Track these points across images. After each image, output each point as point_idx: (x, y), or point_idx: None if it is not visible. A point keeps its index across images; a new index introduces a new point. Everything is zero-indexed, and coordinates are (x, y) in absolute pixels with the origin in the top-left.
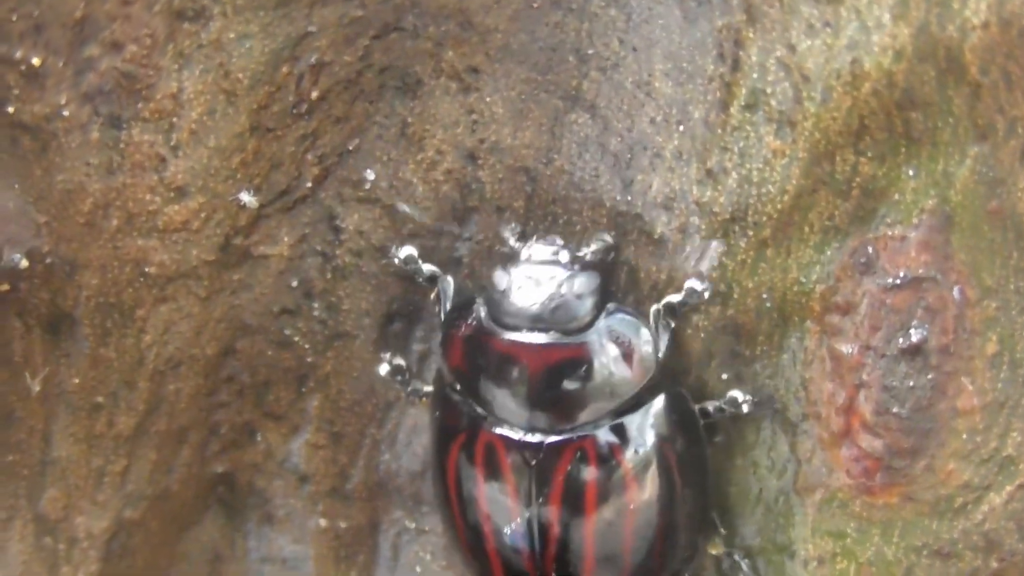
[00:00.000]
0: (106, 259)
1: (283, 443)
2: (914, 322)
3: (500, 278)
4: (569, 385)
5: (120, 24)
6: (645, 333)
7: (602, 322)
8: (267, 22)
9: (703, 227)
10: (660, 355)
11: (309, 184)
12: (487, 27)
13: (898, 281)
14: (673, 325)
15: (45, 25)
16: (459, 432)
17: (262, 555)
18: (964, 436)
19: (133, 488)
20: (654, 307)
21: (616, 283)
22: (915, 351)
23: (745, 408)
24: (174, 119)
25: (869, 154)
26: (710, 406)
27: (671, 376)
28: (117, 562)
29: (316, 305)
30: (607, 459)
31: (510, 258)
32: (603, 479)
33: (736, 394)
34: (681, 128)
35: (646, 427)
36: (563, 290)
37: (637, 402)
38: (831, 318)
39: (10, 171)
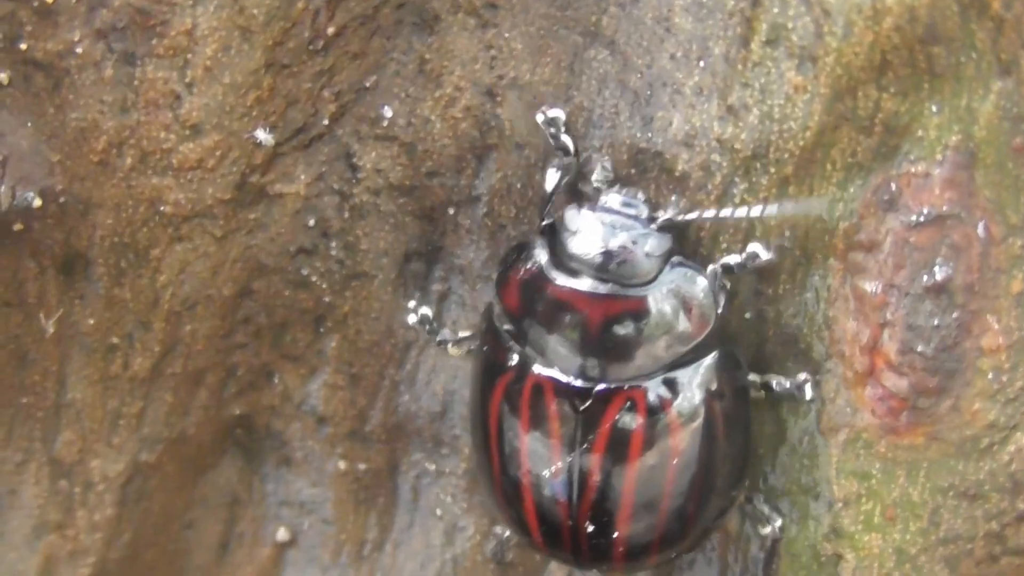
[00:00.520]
0: (120, 198)
1: (301, 385)
2: (938, 260)
3: (572, 218)
4: (626, 337)
5: None
6: (706, 289)
7: (665, 276)
8: None
9: (724, 164)
10: (719, 311)
11: (326, 121)
12: None
13: (922, 218)
14: (728, 286)
15: None
16: (506, 370)
17: (280, 499)
18: (990, 376)
19: (149, 431)
20: (711, 267)
21: (686, 241)
22: (940, 289)
23: (764, 256)
24: (188, 56)
25: (892, 90)
26: (732, 261)
27: (725, 334)
28: (133, 506)
29: (333, 245)
30: (656, 411)
31: (586, 199)
32: (650, 430)
33: (756, 247)
34: (701, 64)
35: (697, 382)
36: (634, 247)
37: (691, 357)
38: (854, 256)
39: (23, 109)
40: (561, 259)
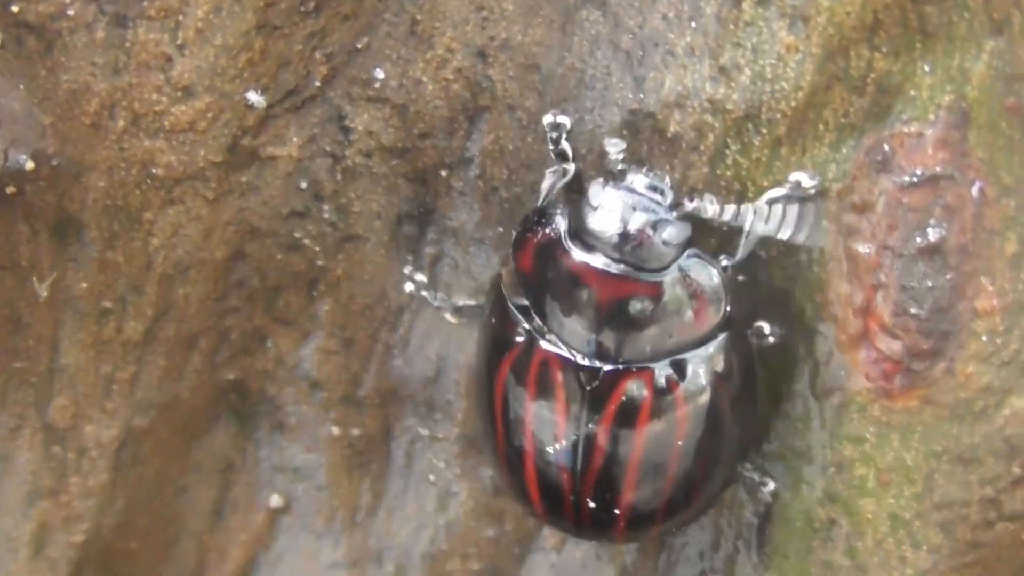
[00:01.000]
0: (112, 161)
1: (294, 349)
2: (932, 221)
3: (596, 193)
4: (631, 320)
5: None
6: (718, 282)
7: (679, 264)
8: None
9: (716, 125)
10: (728, 307)
11: (317, 83)
12: None
13: (915, 179)
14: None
15: None
16: (514, 344)
17: (274, 464)
18: (984, 338)
19: (142, 396)
20: (724, 262)
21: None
22: (933, 250)
23: (812, 189)
24: (180, 17)
25: (884, 49)
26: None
27: (733, 317)
28: (127, 471)
29: (326, 207)
30: (663, 392)
31: (612, 176)
32: (656, 411)
33: (801, 176)
34: (693, 24)
35: (706, 364)
36: (653, 232)
37: (700, 340)
38: (847, 217)
39: (15, 71)
40: (579, 232)
